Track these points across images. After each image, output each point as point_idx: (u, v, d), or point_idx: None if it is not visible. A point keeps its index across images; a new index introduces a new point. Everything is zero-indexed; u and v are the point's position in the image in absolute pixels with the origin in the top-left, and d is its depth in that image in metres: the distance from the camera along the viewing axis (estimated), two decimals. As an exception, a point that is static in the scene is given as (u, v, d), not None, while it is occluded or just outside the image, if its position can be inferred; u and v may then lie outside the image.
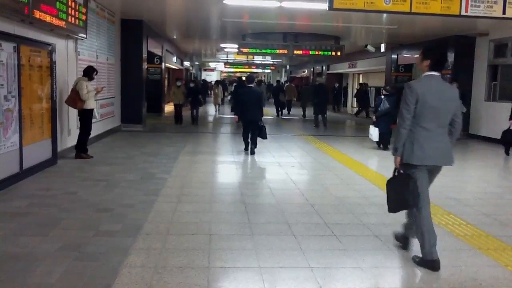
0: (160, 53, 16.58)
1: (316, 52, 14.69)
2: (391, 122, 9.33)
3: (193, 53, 26.92)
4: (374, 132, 9.78)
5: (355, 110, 21.47)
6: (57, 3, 6.82)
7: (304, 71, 33.26)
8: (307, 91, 18.76)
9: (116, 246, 3.75)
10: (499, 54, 12.07)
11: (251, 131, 8.97)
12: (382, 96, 9.94)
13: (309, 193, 5.90)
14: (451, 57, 13.09)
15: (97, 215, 4.63)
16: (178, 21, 14.24)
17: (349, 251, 3.84)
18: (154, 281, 3.15)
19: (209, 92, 26.12)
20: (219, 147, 10.24)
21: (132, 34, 12.22)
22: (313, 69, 29.27)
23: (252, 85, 9.21)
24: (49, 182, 6.02)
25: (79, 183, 5.98)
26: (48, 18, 6.48)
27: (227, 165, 7.93)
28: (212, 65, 40.58)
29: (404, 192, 3.53)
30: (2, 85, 5.45)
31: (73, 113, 8.01)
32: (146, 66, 13.47)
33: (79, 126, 7.76)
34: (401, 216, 3.94)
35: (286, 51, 14.56)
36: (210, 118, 17.58)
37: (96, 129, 9.06)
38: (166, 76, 20.71)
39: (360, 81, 24.38)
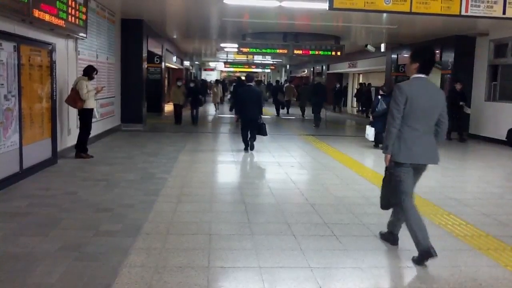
0: (160, 53, 16.58)
1: (316, 52, 14.68)
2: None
3: (193, 53, 26.91)
4: (370, 132, 9.93)
5: (355, 110, 21.44)
6: (57, 2, 6.82)
7: (304, 71, 33.25)
8: (306, 90, 18.75)
9: (116, 246, 3.76)
10: (499, 54, 12.07)
11: (250, 129, 9.01)
12: (379, 97, 9.96)
13: (309, 193, 5.90)
14: (451, 57, 13.10)
15: (97, 215, 4.63)
16: (178, 21, 14.24)
17: (349, 251, 3.85)
18: (154, 281, 3.15)
19: (208, 91, 26.13)
20: (219, 146, 10.24)
21: (132, 33, 12.22)
22: (313, 68, 29.25)
23: (251, 84, 9.28)
24: (49, 181, 6.02)
25: (79, 183, 5.98)
26: (48, 18, 6.48)
27: (227, 165, 7.94)
28: (212, 64, 40.59)
29: (390, 189, 3.72)
30: (2, 84, 5.45)
31: (73, 113, 8.01)
32: (146, 66, 13.47)
33: (79, 125, 7.76)
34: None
35: (286, 51, 14.54)
36: (210, 118, 17.58)
37: (96, 128, 9.06)
38: (166, 76, 20.72)
39: (360, 81, 24.38)
